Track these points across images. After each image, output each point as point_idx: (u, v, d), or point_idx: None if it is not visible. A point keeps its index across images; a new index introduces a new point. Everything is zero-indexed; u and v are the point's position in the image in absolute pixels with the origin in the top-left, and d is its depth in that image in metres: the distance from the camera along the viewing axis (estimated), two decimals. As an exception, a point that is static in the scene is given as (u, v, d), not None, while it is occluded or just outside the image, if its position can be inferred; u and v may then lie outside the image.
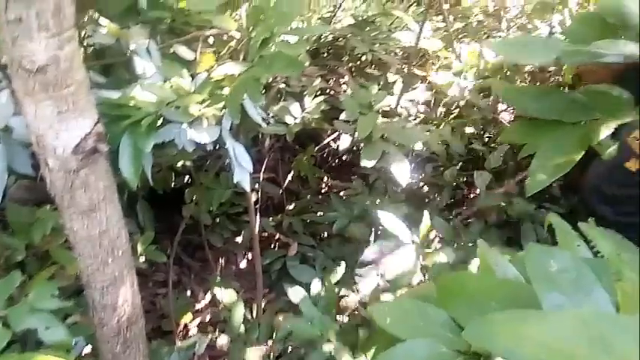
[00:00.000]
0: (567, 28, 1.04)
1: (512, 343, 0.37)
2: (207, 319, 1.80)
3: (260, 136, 2.11)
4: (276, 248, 2.15)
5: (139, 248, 1.72)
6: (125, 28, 1.17)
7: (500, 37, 2.57)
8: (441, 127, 1.85)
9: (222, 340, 1.46)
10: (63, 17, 0.77)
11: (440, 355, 0.59)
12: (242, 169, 1.26)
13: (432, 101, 2.23)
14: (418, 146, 1.74)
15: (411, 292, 0.78)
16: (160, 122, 1.17)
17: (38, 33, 0.76)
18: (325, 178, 2.30)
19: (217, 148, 1.34)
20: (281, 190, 2.20)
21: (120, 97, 1.11)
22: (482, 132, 2.17)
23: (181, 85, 1.15)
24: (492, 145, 2.10)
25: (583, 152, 0.83)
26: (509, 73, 2.03)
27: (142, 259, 1.72)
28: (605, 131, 0.82)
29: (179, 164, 1.85)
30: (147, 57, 1.17)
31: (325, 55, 2.46)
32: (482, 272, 0.68)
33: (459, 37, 2.43)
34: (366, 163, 1.53)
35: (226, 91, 1.18)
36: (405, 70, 2.14)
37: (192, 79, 1.20)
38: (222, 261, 2.09)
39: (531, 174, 0.87)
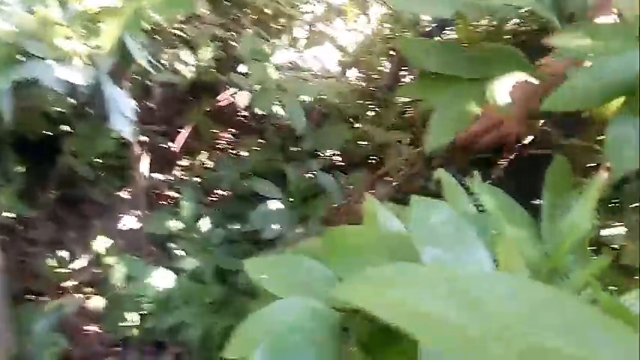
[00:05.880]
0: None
1: (372, 305, 0.34)
2: (85, 280, 1.66)
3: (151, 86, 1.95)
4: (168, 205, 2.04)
5: (4, 201, 1.53)
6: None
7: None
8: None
9: (98, 302, 1.35)
10: None
11: (314, 312, 0.56)
12: (121, 116, 1.14)
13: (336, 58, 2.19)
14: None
15: (297, 248, 0.74)
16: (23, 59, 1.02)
17: None
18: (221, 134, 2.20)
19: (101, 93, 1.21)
20: (173, 145, 2.07)
21: (-32, 22, 0.94)
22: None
23: (47, 15, 1.00)
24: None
25: (479, 108, 0.83)
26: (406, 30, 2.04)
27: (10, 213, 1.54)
28: (500, 88, 0.81)
29: (55, 110, 1.65)
30: (3, -22, 0.99)
31: (228, 2, 2.30)
32: (366, 226, 0.65)
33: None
34: (259, 109, 1.49)
35: (103, 27, 1.04)
36: (310, 26, 2.07)
37: (62, 9, 1.04)
38: (104, 218, 1.93)
39: (431, 130, 0.85)
